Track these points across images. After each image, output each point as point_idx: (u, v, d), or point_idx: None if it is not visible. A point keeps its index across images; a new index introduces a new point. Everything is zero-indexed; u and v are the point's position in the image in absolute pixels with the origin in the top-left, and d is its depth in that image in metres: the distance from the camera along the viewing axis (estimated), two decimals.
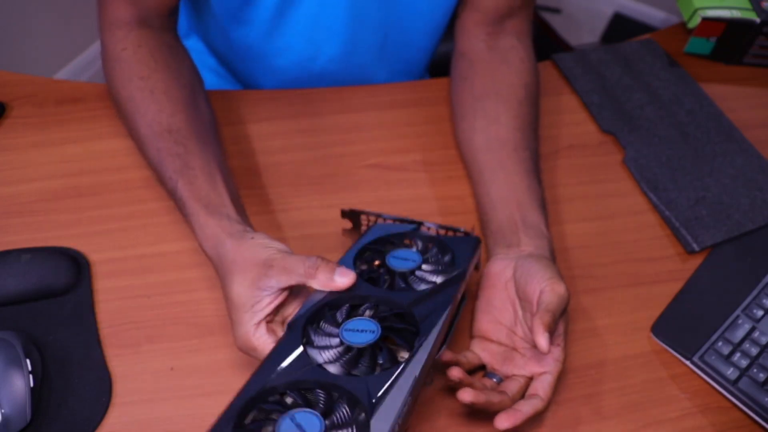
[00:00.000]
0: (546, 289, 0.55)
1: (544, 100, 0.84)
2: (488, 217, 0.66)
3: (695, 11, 0.91)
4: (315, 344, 0.48)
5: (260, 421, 0.43)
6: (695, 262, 0.71)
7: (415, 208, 0.71)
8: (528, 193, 0.66)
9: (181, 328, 0.60)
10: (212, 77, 0.92)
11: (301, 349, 0.47)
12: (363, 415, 0.42)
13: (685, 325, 0.65)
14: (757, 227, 0.73)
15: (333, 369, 0.46)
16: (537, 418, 0.58)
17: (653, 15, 2.18)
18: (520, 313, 0.58)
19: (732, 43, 0.91)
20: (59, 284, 0.61)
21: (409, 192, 0.73)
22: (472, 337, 0.60)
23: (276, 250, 0.52)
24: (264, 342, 0.51)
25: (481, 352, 0.58)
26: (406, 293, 0.53)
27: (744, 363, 0.62)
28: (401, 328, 0.50)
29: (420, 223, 0.62)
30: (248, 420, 0.43)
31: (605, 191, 0.76)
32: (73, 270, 0.62)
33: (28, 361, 0.54)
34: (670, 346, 0.64)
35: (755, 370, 0.61)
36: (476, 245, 0.60)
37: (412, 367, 0.46)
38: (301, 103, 0.81)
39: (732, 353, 0.62)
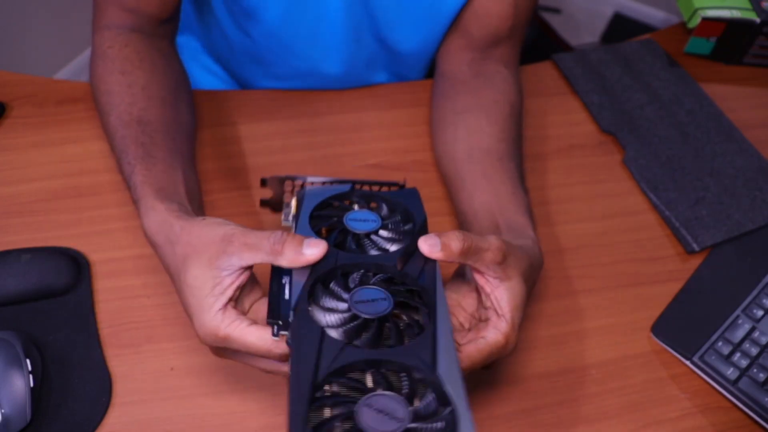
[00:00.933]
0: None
1: (544, 100, 0.85)
2: (470, 226, 0.63)
3: (695, 11, 0.91)
4: (321, 305, 0.45)
5: (333, 419, 0.38)
6: (695, 262, 0.71)
7: None
8: (512, 199, 0.63)
9: (181, 328, 0.60)
10: (206, 75, 0.92)
11: (322, 330, 0.42)
12: (433, 389, 0.40)
13: (685, 325, 0.65)
14: (757, 227, 0.73)
15: (334, 334, 0.42)
16: (536, 417, 0.58)
17: (653, 15, 2.18)
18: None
19: (732, 43, 0.91)
20: (59, 284, 0.61)
21: None
22: None
23: (234, 225, 0.48)
24: (237, 327, 0.46)
25: None
26: (385, 255, 0.49)
27: (744, 363, 0.62)
28: (413, 305, 0.46)
29: (353, 182, 0.57)
30: (320, 419, 0.38)
31: (605, 191, 0.76)
32: (73, 270, 0.62)
33: (28, 361, 0.54)
34: (670, 346, 0.64)
35: (755, 370, 0.61)
36: (418, 195, 0.56)
37: (443, 329, 0.43)
38: (301, 103, 0.81)
39: (732, 353, 0.62)
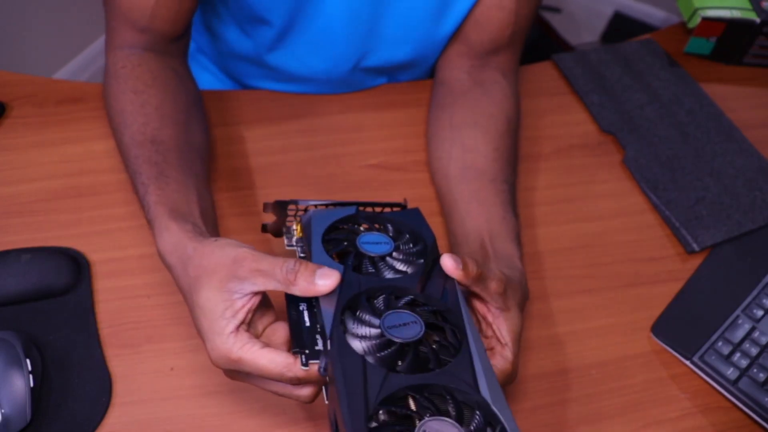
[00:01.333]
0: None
1: (544, 101, 0.85)
2: (460, 248, 0.63)
3: (695, 11, 0.91)
4: (353, 332, 0.44)
5: None
6: (695, 262, 0.71)
7: None
8: (503, 224, 0.62)
9: (181, 328, 0.60)
10: (204, 74, 0.92)
11: (363, 359, 0.42)
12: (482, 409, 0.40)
13: (685, 325, 0.65)
14: (757, 227, 0.73)
15: (372, 361, 0.42)
16: (536, 417, 0.58)
17: (653, 14, 2.18)
18: None
19: (732, 43, 0.91)
20: (59, 284, 0.61)
21: (409, 192, 0.73)
22: None
23: (246, 248, 0.47)
24: (249, 350, 0.45)
25: None
26: (405, 277, 0.48)
27: (744, 363, 0.62)
28: (441, 326, 0.46)
29: (358, 204, 0.56)
30: None
31: (605, 191, 0.76)
32: (73, 270, 0.62)
33: (28, 361, 0.54)
34: (670, 346, 0.64)
35: (755, 370, 0.61)
36: (422, 215, 0.56)
37: (476, 348, 0.43)
38: (301, 103, 0.81)
39: (732, 353, 0.62)
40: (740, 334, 0.64)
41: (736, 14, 0.90)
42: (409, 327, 0.44)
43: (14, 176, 0.70)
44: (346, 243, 0.50)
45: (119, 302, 0.62)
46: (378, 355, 0.42)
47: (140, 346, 0.59)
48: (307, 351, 0.44)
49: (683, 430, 0.59)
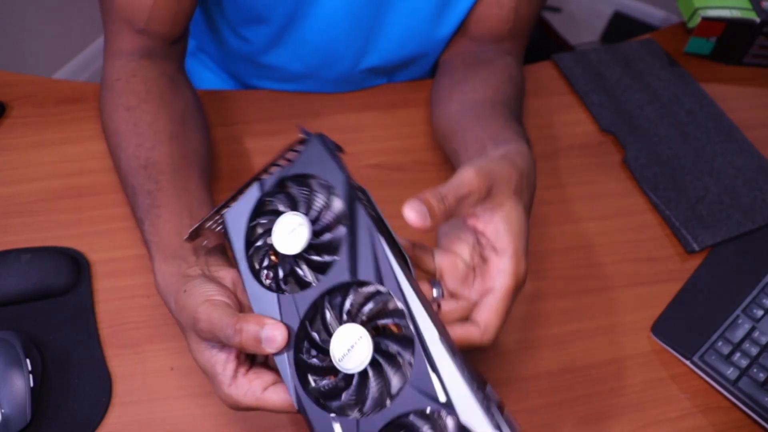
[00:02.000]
0: (453, 174, 0.47)
1: (544, 100, 0.85)
2: (460, 158, 0.60)
3: (695, 11, 0.91)
4: (314, 378, 0.42)
5: None
6: (695, 262, 0.71)
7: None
8: (504, 125, 0.60)
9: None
10: (204, 71, 0.92)
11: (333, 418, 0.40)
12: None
13: (685, 325, 0.65)
14: (757, 227, 0.73)
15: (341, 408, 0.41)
16: (536, 417, 0.58)
17: (653, 14, 2.18)
18: None
19: (732, 43, 0.91)
20: (59, 284, 0.61)
21: (409, 192, 0.72)
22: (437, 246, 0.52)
23: (204, 301, 0.45)
24: (253, 397, 0.44)
25: (441, 262, 0.50)
26: (335, 266, 0.43)
27: (744, 363, 0.62)
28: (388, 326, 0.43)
29: (257, 178, 0.48)
30: None
31: (605, 191, 0.76)
32: (73, 270, 0.62)
33: (28, 361, 0.54)
34: (670, 346, 0.64)
35: (755, 370, 0.61)
36: (324, 142, 0.48)
37: (428, 335, 0.40)
38: (301, 103, 0.81)
39: (732, 353, 0.62)
40: (740, 333, 0.64)
41: (736, 14, 0.90)
42: (356, 348, 0.41)
43: (14, 176, 0.70)
44: (268, 251, 0.46)
45: (119, 302, 0.62)
46: (345, 398, 0.41)
47: (140, 346, 0.59)
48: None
49: (683, 430, 0.59)
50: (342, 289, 0.43)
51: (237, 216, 0.47)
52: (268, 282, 0.45)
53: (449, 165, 0.76)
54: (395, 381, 0.41)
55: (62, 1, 1.73)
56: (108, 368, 0.58)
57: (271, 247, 0.45)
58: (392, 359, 0.41)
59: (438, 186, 0.45)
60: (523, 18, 0.74)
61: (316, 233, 0.45)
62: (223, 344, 0.45)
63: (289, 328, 0.42)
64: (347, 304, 0.43)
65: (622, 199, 0.76)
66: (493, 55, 0.75)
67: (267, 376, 0.45)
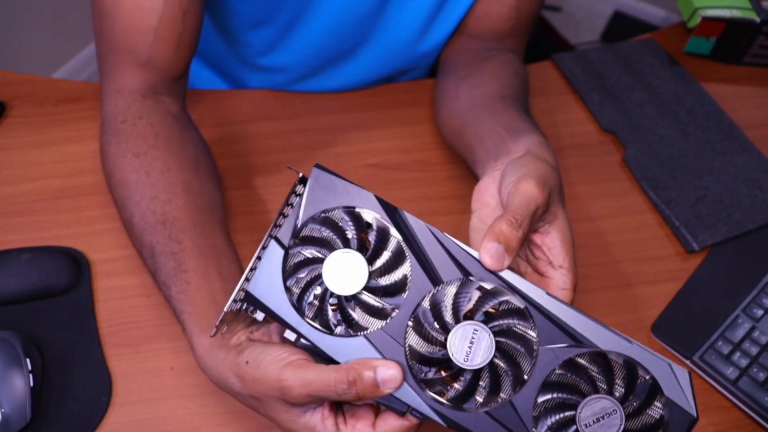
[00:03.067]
0: (511, 189, 0.45)
1: (544, 100, 0.85)
2: (475, 151, 0.59)
3: (695, 11, 0.91)
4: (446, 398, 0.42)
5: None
6: (695, 261, 0.71)
7: (415, 207, 0.71)
8: (518, 117, 0.59)
9: (181, 328, 0.60)
10: (203, 70, 0.92)
11: (486, 413, 0.41)
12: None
13: (685, 325, 0.65)
14: (757, 227, 0.73)
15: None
16: None
17: (653, 13, 2.18)
18: None
19: (732, 42, 0.91)
20: (59, 284, 0.61)
21: (409, 192, 0.73)
22: None
23: (283, 364, 0.42)
24: None
25: None
26: (412, 279, 0.43)
27: (744, 362, 0.62)
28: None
29: (270, 236, 0.44)
30: None
31: (605, 191, 0.76)
32: (73, 270, 0.62)
33: (28, 360, 0.54)
34: (670, 346, 0.64)
35: (755, 370, 0.61)
36: (325, 172, 0.44)
37: (536, 295, 0.41)
38: (301, 103, 0.81)
39: (732, 353, 0.62)
40: (740, 333, 0.64)
41: (735, 14, 0.90)
42: (475, 344, 0.41)
43: (14, 176, 0.70)
44: (325, 300, 0.43)
45: (119, 302, 0.62)
46: (482, 395, 0.42)
47: (140, 346, 0.59)
48: (411, 405, 0.42)
49: None
50: (435, 295, 0.42)
51: (265, 283, 0.43)
52: (340, 331, 0.43)
53: (449, 165, 0.76)
54: (525, 352, 0.41)
55: (62, 1, 1.73)
56: (108, 368, 0.58)
57: (326, 295, 0.43)
58: (512, 335, 0.42)
59: (507, 210, 0.44)
60: (524, 15, 0.74)
61: (370, 259, 0.43)
62: (317, 403, 0.43)
63: (397, 360, 0.42)
64: (446, 308, 0.42)
65: (622, 199, 0.76)
66: (495, 52, 0.75)
67: (364, 413, 0.44)
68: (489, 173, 0.51)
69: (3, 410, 0.52)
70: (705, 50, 0.93)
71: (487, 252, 0.41)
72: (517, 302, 0.42)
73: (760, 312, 0.65)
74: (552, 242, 0.46)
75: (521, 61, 0.77)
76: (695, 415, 0.40)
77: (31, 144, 0.73)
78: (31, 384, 0.53)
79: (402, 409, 0.42)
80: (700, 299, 0.67)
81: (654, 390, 0.41)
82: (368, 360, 0.41)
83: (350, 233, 0.44)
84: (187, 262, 0.52)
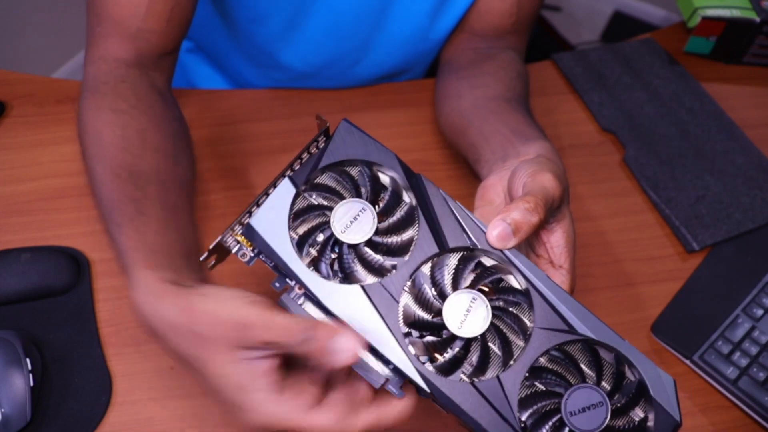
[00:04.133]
0: (527, 180, 0.45)
1: (544, 100, 0.85)
2: (480, 150, 0.58)
3: (695, 11, 0.91)
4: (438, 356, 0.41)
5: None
6: (695, 261, 0.71)
7: None
8: (524, 121, 0.58)
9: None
10: (203, 68, 0.92)
11: (471, 383, 0.40)
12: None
13: (684, 325, 0.65)
14: (757, 226, 0.73)
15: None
16: None
17: (653, 13, 2.18)
18: None
19: (732, 42, 0.91)
20: (59, 284, 0.61)
21: None
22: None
23: (249, 308, 0.38)
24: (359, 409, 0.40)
25: None
26: (418, 239, 0.42)
27: (744, 362, 0.62)
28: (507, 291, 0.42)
29: (284, 175, 0.44)
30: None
31: (605, 190, 0.76)
32: (73, 269, 0.62)
33: (28, 360, 0.54)
34: (670, 346, 0.64)
35: (755, 370, 0.61)
36: (351, 126, 0.44)
37: (539, 277, 0.41)
38: (301, 103, 0.81)
39: (732, 352, 0.62)
40: (740, 333, 0.64)
41: (735, 13, 0.90)
42: (472, 313, 0.40)
43: (14, 175, 0.70)
44: (329, 246, 0.42)
45: (119, 302, 0.62)
46: (469, 366, 0.41)
47: (140, 345, 0.59)
48: (388, 378, 0.41)
49: (683, 430, 0.59)
50: (436, 262, 0.42)
51: (269, 220, 0.42)
52: (340, 277, 0.42)
53: (449, 165, 0.76)
54: (518, 330, 0.41)
55: (62, 1, 1.73)
56: (108, 368, 0.58)
57: (327, 244, 0.42)
58: (508, 313, 0.41)
59: (525, 194, 0.44)
60: (525, 12, 0.74)
61: (380, 215, 0.42)
62: (268, 353, 0.39)
63: (384, 320, 0.40)
64: (446, 275, 0.42)
65: (622, 199, 0.76)
66: (496, 51, 0.75)
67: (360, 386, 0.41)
68: (496, 172, 0.51)
69: (3, 410, 0.52)
70: (705, 50, 0.93)
71: (494, 228, 0.41)
72: (517, 281, 0.42)
73: (760, 312, 0.65)
74: (556, 241, 0.46)
75: (522, 59, 0.77)
76: (679, 419, 0.40)
77: (31, 144, 0.73)
78: (31, 384, 0.53)
79: (378, 382, 0.41)
80: (700, 299, 0.67)
81: (640, 390, 0.41)
82: (333, 326, 0.39)
83: (365, 189, 0.43)
84: (149, 210, 0.49)
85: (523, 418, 0.40)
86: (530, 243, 0.48)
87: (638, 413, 0.41)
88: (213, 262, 0.45)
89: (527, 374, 0.40)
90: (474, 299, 0.41)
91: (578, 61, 0.89)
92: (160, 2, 0.60)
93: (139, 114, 0.56)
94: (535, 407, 0.40)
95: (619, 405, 0.40)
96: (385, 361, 0.40)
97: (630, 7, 2.23)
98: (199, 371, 0.40)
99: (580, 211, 0.74)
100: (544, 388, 0.41)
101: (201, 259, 0.43)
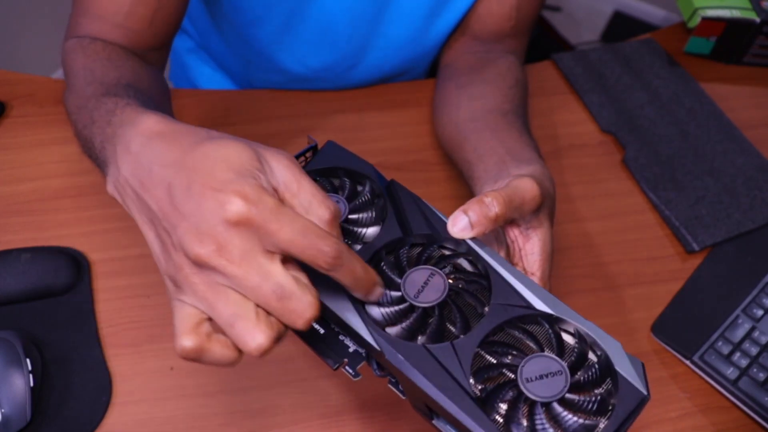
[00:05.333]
0: (506, 183, 0.46)
1: (543, 100, 0.85)
2: (474, 168, 0.58)
3: (695, 11, 0.91)
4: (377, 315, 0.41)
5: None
6: (695, 261, 0.71)
7: None
8: (520, 140, 0.59)
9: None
10: (202, 67, 0.92)
11: (423, 346, 0.40)
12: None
13: (685, 325, 0.65)
14: (756, 227, 0.73)
15: (393, 331, 0.41)
16: None
17: (653, 13, 2.18)
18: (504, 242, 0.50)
19: (732, 42, 0.91)
20: (59, 284, 0.61)
21: None
22: None
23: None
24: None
25: None
26: (384, 227, 0.44)
27: (744, 362, 0.62)
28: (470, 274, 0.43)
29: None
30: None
31: (605, 191, 0.76)
32: (73, 270, 0.62)
33: (28, 360, 0.54)
34: (670, 346, 0.64)
35: (755, 370, 0.61)
36: (337, 145, 0.48)
37: (496, 261, 0.42)
38: (301, 103, 0.81)
39: (732, 353, 0.63)
40: (740, 333, 0.64)
41: (735, 14, 0.90)
42: (429, 287, 0.42)
43: (14, 175, 0.70)
44: None
45: (119, 302, 0.62)
46: (428, 332, 0.41)
47: (140, 346, 0.59)
48: (346, 359, 0.42)
49: (683, 430, 0.59)
50: (398, 244, 0.44)
51: None
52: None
53: (449, 165, 0.76)
54: (476, 303, 0.42)
55: (62, 1, 1.73)
56: (108, 368, 0.58)
57: None
58: (466, 289, 0.42)
59: (498, 189, 0.45)
60: (525, 15, 0.74)
61: (354, 210, 0.45)
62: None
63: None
64: (404, 255, 0.44)
65: (622, 199, 0.76)
66: (496, 55, 0.75)
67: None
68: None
69: (3, 410, 0.52)
70: (705, 50, 0.93)
71: (453, 218, 0.43)
72: (478, 267, 0.43)
73: (760, 312, 0.65)
74: (531, 248, 0.47)
75: (521, 63, 0.77)
76: (646, 393, 0.39)
77: (31, 144, 0.73)
78: (31, 384, 0.53)
79: (334, 364, 0.41)
80: (700, 299, 0.67)
81: (604, 365, 0.40)
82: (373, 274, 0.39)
83: (342, 190, 0.47)
84: (123, 101, 0.46)
85: (479, 386, 0.39)
86: (507, 249, 0.49)
87: (602, 390, 0.39)
88: None
89: (484, 344, 0.40)
90: (432, 274, 0.42)
91: (578, 62, 0.89)
92: (142, 5, 0.59)
93: (132, 64, 0.57)
94: (490, 375, 0.40)
95: (581, 381, 0.39)
96: (343, 326, 0.41)
97: (630, 7, 2.23)
98: (183, 164, 0.36)
99: (579, 211, 0.74)
100: (501, 360, 0.40)
101: None
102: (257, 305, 0.35)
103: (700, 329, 0.64)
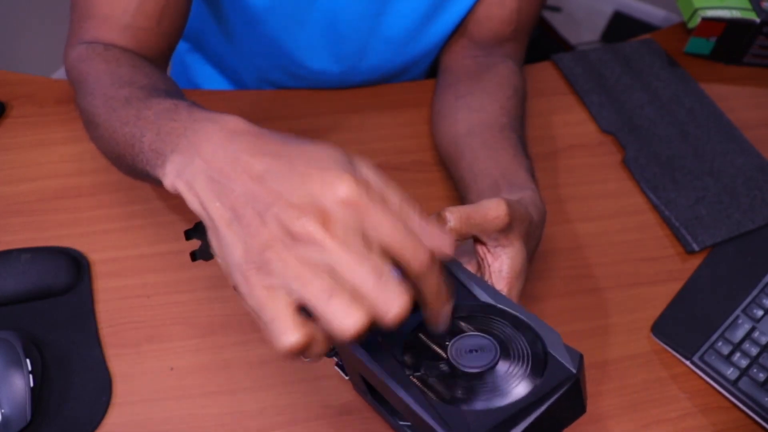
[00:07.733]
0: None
1: (543, 101, 0.85)
2: (469, 189, 0.60)
3: (695, 11, 0.91)
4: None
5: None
6: (695, 261, 0.71)
7: None
8: (513, 161, 0.60)
9: (181, 328, 0.60)
10: (203, 67, 0.92)
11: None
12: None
13: (685, 325, 0.65)
14: (757, 227, 0.73)
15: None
16: None
17: (653, 13, 2.18)
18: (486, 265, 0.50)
19: (732, 43, 0.91)
20: (59, 284, 0.61)
21: (409, 192, 0.73)
22: None
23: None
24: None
25: None
26: None
27: (744, 363, 0.62)
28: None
29: None
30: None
31: (605, 191, 0.76)
32: (73, 270, 0.62)
33: (28, 360, 0.54)
34: (670, 346, 0.64)
35: (755, 370, 0.61)
36: None
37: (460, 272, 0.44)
38: (301, 103, 0.81)
39: (732, 353, 0.63)
40: (740, 333, 0.64)
41: (736, 14, 0.90)
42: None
43: (14, 176, 0.70)
44: None
45: (119, 302, 0.62)
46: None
47: (140, 346, 0.59)
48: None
49: (683, 430, 0.59)
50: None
51: None
52: None
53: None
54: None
55: (62, 1, 1.73)
56: (108, 368, 0.58)
57: None
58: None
59: (461, 206, 0.46)
60: (525, 18, 0.74)
61: None
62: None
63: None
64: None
65: (622, 199, 0.76)
66: (495, 60, 0.75)
67: None
68: None
69: (3, 410, 0.52)
70: (705, 51, 0.93)
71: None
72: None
73: (760, 312, 0.65)
74: (499, 266, 0.47)
75: (521, 69, 0.77)
76: (575, 372, 0.39)
77: (31, 144, 0.73)
78: (31, 384, 0.53)
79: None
80: (700, 299, 0.67)
81: (538, 347, 0.40)
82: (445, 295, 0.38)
83: None
84: (183, 102, 0.46)
85: (407, 358, 0.40)
86: (479, 264, 0.49)
87: (530, 365, 0.40)
88: (196, 249, 0.46)
89: (420, 329, 0.41)
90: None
91: (578, 62, 0.89)
92: (151, 2, 0.59)
93: (136, 62, 0.56)
94: (419, 349, 0.40)
95: (511, 355, 0.40)
96: None
97: (630, 8, 2.23)
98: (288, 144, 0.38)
99: (579, 211, 0.74)
100: (433, 340, 0.41)
101: (186, 231, 0.44)
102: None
103: (700, 329, 0.64)
